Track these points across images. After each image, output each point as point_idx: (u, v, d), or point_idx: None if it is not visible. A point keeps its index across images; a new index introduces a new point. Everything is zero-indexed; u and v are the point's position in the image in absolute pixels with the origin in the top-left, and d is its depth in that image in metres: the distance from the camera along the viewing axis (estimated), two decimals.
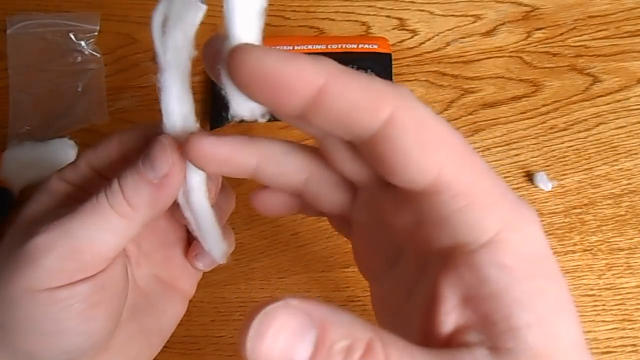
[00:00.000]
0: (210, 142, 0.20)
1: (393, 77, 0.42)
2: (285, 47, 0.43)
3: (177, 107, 0.22)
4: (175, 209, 0.24)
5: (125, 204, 0.21)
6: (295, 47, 0.43)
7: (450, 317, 0.16)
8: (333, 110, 0.15)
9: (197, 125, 0.23)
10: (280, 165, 0.21)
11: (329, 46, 0.43)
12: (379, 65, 0.43)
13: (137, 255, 0.27)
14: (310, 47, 0.43)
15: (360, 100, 0.15)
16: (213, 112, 0.42)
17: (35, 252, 0.21)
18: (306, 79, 0.15)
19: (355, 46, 0.43)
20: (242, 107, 0.17)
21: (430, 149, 0.15)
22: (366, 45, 0.44)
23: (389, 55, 0.43)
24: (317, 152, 0.21)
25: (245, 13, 0.16)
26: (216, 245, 0.26)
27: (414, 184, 0.16)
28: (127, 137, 0.24)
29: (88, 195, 0.22)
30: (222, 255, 0.26)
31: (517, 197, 0.16)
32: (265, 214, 0.24)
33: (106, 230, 0.21)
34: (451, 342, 0.16)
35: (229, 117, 0.17)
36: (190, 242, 0.28)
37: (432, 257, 0.17)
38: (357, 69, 0.42)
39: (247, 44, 0.15)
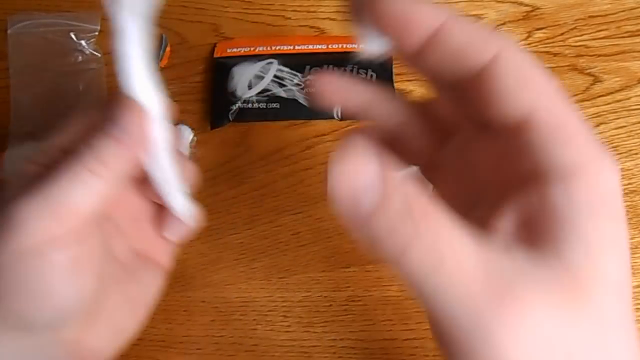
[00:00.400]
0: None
1: (394, 77, 0.42)
2: (285, 47, 0.43)
3: (133, 69, 0.23)
4: (145, 187, 0.26)
5: (97, 163, 0.23)
6: (296, 47, 0.43)
7: (501, 226, 0.17)
8: (447, 47, 0.17)
9: (160, 87, 0.24)
10: (387, 105, 0.22)
11: (329, 46, 0.43)
12: (379, 66, 0.43)
13: (113, 231, 0.28)
14: (310, 46, 0.43)
15: (472, 39, 0.17)
16: (213, 112, 0.42)
17: (17, 214, 0.22)
18: (429, 18, 0.17)
19: (356, 46, 0.44)
20: (374, 43, 0.19)
21: (527, 85, 0.17)
22: None
23: (390, 56, 0.43)
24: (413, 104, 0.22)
25: None
26: (184, 207, 0.27)
27: (509, 117, 0.17)
28: (89, 113, 0.26)
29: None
30: (191, 217, 0.28)
31: (601, 145, 0.17)
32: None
33: (82, 189, 0.23)
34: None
35: (361, 54, 0.19)
36: (161, 217, 0.30)
37: (509, 190, 0.17)
38: (358, 68, 0.42)
39: None
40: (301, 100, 0.41)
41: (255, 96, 0.41)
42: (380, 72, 0.42)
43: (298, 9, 0.45)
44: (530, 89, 0.17)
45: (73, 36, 0.43)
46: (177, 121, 0.41)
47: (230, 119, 0.41)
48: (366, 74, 0.42)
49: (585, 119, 0.17)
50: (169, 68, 0.44)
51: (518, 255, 0.16)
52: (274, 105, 0.41)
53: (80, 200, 0.23)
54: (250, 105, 0.41)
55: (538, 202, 0.16)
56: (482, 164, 0.20)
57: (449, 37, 0.17)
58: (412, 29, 0.17)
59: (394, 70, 0.43)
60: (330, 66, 0.42)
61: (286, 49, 0.43)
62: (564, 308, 0.15)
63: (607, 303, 0.16)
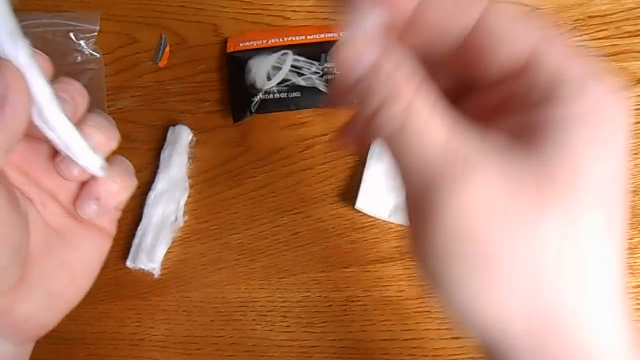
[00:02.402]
0: None
1: None
2: (298, 37, 0.44)
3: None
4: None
5: None
6: (308, 37, 0.44)
7: (493, 131, 0.17)
8: (435, 14, 0.17)
9: (27, 42, 0.22)
10: None
11: (341, 34, 0.44)
12: None
13: (40, 196, 0.27)
14: (322, 35, 0.44)
15: (459, 7, 0.17)
16: (234, 105, 0.42)
17: None
18: None
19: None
20: (363, 22, 0.19)
21: (520, 26, 0.17)
22: None
23: None
24: None
25: None
26: (89, 158, 0.25)
27: (505, 67, 0.17)
28: None
29: None
30: (100, 167, 0.26)
31: (608, 81, 0.17)
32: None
33: None
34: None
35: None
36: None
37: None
38: None
39: None
40: (321, 88, 0.41)
41: (275, 87, 0.41)
42: None
43: (298, 9, 0.45)
44: (524, 28, 0.17)
45: (72, 36, 0.43)
46: (176, 121, 0.41)
47: (253, 111, 0.41)
48: None
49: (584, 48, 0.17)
50: (169, 68, 0.44)
51: (489, 144, 0.16)
52: (295, 94, 0.41)
53: None
54: (271, 96, 0.41)
55: (535, 116, 0.17)
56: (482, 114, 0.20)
57: (435, 3, 0.17)
58: (395, 7, 0.17)
59: None
60: None
61: (299, 39, 0.44)
62: (526, 196, 0.16)
63: (580, 207, 0.16)
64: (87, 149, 0.25)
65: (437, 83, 0.19)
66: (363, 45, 0.17)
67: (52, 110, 0.23)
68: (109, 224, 0.30)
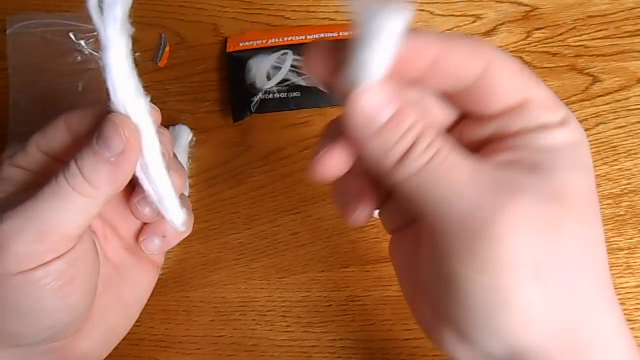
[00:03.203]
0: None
1: None
2: (298, 37, 0.44)
3: (124, 84, 0.22)
4: (135, 183, 0.25)
5: (86, 184, 0.22)
6: (308, 37, 0.44)
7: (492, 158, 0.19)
8: (445, 70, 0.19)
9: (147, 99, 0.23)
10: None
11: (340, 34, 0.44)
12: None
13: (104, 230, 0.28)
14: (322, 35, 0.44)
15: (465, 57, 0.19)
16: (234, 105, 0.42)
17: (4, 239, 0.22)
18: (428, 47, 0.19)
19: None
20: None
21: (518, 77, 0.20)
22: None
23: None
24: None
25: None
26: (177, 214, 0.27)
27: (503, 104, 0.20)
28: (75, 119, 0.25)
29: (44, 179, 0.23)
30: (183, 223, 0.27)
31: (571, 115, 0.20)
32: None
33: (70, 211, 0.22)
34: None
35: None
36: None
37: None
38: None
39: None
40: (322, 88, 0.41)
41: (275, 87, 0.41)
42: None
43: (297, 9, 0.45)
44: (521, 79, 0.19)
45: (72, 36, 0.43)
46: (176, 121, 0.41)
47: (253, 111, 0.41)
48: None
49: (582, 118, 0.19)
50: (169, 68, 0.44)
51: (507, 171, 0.18)
52: (295, 94, 0.41)
53: (68, 222, 0.22)
54: (271, 96, 0.41)
55: (526, 144, 0.19)
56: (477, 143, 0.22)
57: (447, 61, 0.19)
58: (415, 62, 0.19)
59: None
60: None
61: (299, 39, 0.44)
62: (551, 211, 0.18)
63: (589, 224, 0.19)
64: (178, 207, 0.26)
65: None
66: (380, 97, 0.18)
67: (158, 168, 0.24)
68: (160, 257, 0.30)
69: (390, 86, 0.18)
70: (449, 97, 0.21)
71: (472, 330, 0.18)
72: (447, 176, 0.18)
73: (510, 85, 0.19)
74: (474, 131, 0.21)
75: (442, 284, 0.18)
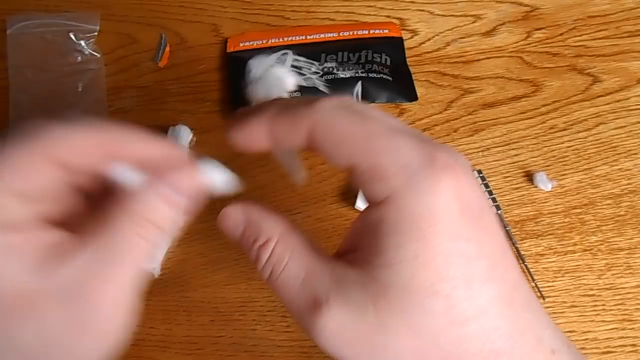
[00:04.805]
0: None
1: (406, 58, 0.43)
2: (297, 37, 0.44)
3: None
4: None
5: (149, 226, 0.22)
6: (308, 37, 0.44)
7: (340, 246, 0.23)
8: (277, 137, 0.22)
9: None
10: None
11: (340, 33, 0.44)
12: (391, 48, 0.43)
13: None
14: (322, 35, 0.44)
15: (287, 127, 0.21)
16: (234, 104, 0.42)
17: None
18: (256, 138, 0.22)
19: (366, 32, 0.44)
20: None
21: (344, 142, 0.20)
22: (377, 31, 0.44)
23: (401, 38, 0.44)
24: None
25: None
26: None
27: (340, 166, 0.21)
28: (66, 149, 0.21)
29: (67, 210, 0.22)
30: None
31: (427, 159, 0.19)
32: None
33: (132, 255, 0.21)
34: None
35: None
36: None
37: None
38: (372, 54, 0.42)
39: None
40: (321, 88, 0.41)
41: None
42: (393, 55, 0.43)
43: (297, 9, 0.45)
44: (346, 145, 0.20)
45: (72, 36, 0.44)
46: (176, 121, 0.41)
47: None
48: (380, 57, 0.43)
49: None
50: (169, 68, 0.44)
51: (341, 265, 0.21)
52: (295, 94, 0.41)
53: (128, 264, 0.21)
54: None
55: (360, 225, 0.21)
56: None
57: (275, 133, 0.21)
58: (254, 144, 0.23)
59: (407, 53, 0.43)
60: (345, 52, 0.43)
61: (299, 39, 0.44)
62: (367, 304, 0.19)
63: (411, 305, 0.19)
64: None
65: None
66: (235, 217, 0.24)
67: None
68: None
69: (244, 209, 0.24)
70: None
71: None
72: (283, 287, 0.21)
73: (333, 151, 0.20)
74: None
75: None
